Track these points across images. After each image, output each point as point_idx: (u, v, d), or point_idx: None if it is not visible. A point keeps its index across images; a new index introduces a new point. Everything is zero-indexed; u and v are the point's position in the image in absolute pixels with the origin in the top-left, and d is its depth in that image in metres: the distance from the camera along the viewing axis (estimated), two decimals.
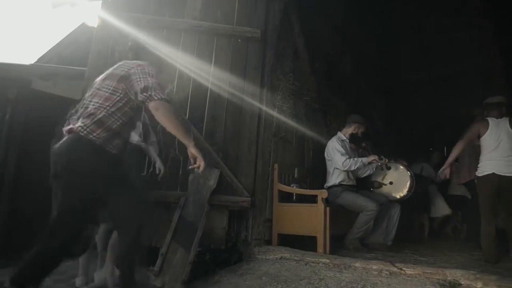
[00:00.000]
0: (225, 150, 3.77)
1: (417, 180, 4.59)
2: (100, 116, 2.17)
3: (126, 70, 2.26)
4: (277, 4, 4.19)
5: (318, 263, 3.34)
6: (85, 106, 2.24)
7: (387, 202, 4.27)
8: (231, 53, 3.98)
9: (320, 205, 3.73)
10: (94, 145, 2.16)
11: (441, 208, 5.88)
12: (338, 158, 4.14)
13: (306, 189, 4.12)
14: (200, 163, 2.30)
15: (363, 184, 4.49)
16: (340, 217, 4.06)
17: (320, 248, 3.65)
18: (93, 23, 4.20)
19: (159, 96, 2.17)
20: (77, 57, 5.33)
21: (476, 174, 3.94)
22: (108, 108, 2.20)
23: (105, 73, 2.37)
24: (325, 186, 4.26)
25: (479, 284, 2.68)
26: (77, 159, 2.13)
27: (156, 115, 2.19)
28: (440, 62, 7.32)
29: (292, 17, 4.49)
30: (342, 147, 4.21)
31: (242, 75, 3.92)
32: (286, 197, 4.06)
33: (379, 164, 4.34)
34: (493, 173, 3.75)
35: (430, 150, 6.36)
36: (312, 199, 3.85)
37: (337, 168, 4.19)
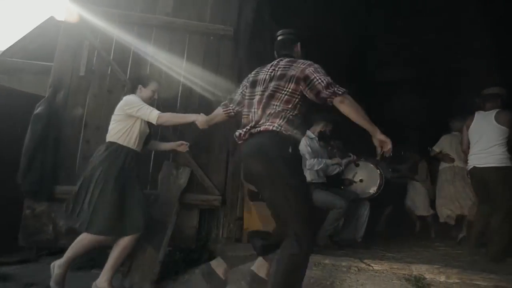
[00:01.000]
0: (196, 148, 3.75)
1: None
2: (288, 116, 2.22)
3: (299, 71, 2.26)
4: (250, 3, 4.21)
5: None
6: (261, 108, 2.27)
7: (357, 200, 4.35)
8: (204, 50, 3.97)
9: None
10: (295, 141, 2.26)
11: (421, 208, 5.82)
12: (304, 158, 4.18)
13: None
14: (388, 145, 2.26)
15: (333, 182, 4.55)
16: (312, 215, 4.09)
17: None
18: (62, 16, 4.09)
19: (342, 90, 2.20)
20: (44, 51, 5.16)
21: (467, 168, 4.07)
22: (291, 109, 2.24)
23: (263, 74, 2.41)
24: None
25: (442, 278, 2.78)
26: (287, 155, 2.19)
27: (341, 108, 2.20)
28: (414, 63, 7.47)
29: (265, 16, 4.50)
30: (310, 146, 4.26)
31: (214, 72, 3.90)
32: (257, 196, 4.07)
33: (342, 165, 4.44)
34: (474, 167, 3.85)
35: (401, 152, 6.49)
36: None
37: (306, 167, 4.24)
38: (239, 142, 2.38)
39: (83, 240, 2.79)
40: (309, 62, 2.32)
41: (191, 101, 3.86)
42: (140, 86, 3.18)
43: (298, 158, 2.31)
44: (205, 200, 3.71)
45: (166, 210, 3.43)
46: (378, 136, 2.26)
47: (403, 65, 7.50)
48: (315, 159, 4.18)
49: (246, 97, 2.46)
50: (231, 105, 2.66)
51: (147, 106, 3.00)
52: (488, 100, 3.93)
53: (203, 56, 3.93)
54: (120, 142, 2.95)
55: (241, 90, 2.57)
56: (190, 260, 3.46)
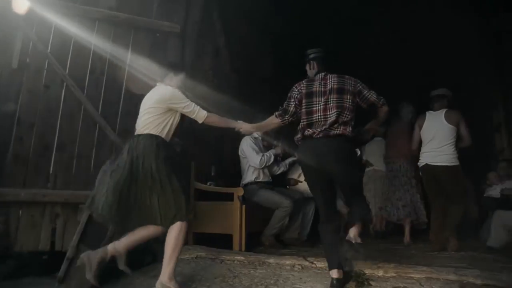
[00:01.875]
0: None
1: None
2: (352, 123, 2.78)
3: (353, 86, 2.83)
4: (198, 1, 4.14)
5: (234, 260, 3.38)
6: (332, 115, 2.73)
7: (302, 199, 4.45)
8: (149, 47, 3.86)
9: (236, 203, 3.78)
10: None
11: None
12: (254, 156, 4.22)
13: (224, 187, 4.14)
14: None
15: (279, 182, 4.62)
16: (257, 214, 4.14)
17: (235, 246, 3.70)
18: None
19: (385, 100, 2.87)
20: None
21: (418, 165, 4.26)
22: (353, 118, 2.79)
23: (315, 87, 2.87)
24: (241, 183, 4.31)
25: (380, 272, 2.93)
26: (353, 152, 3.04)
27: (382, 112, 2.90)
28: (366, 67, 7.69)
29: (213, 14, 4.47)
30: (255, 144, 4.30)
31: (160, 70, 3.78)
32: (203, 196, 4.05)
33: (280, 154, 4.54)
34: (427, 164, 4.07)
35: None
36: (229, 197, 3.87)
37: (251, 166, 4.27)
38: (308, 139, 2.81)
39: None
40: (353, 78, 2.89)
41: (135, 100, 3.73)
42: (171, 74, 3.04)
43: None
44: None
45: None
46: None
47: None
48: (265, 155, 4.23)
49: (303, 107, 2.85)
50: (286, 116, 2.98)
51: (193, 103, 2.93)
52: (436, 100, 4.21)
53: (148, 53, 3.81)
54: (161, 135, 2.83)
55: (294, 102, 2.91)
56: (132, 262, 3.35)
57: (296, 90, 2.92)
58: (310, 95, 2.86)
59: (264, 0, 5.26)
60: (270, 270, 3.13)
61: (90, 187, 3.41)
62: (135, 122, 3.40)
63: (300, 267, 3.18)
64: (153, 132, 2.81)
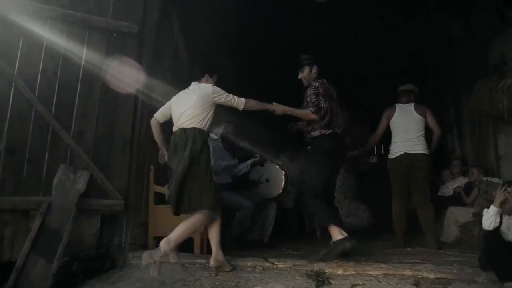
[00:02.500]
0: (96, 150, 3.53)
1: None
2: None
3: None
4: (156, 1, 4.07)
5: (195, 264, 3.35)
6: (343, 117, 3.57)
7: (263, 201, 4.47)
8: (105, 47, 3.73)
9: None
10: None
11: None
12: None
13: None
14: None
15: (240, 183, 4.62)
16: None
17: (197, 249, 3.65)
18: None
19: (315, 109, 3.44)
20: None
21: (389, 157, 4.30)
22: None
23: (332, 92, 3.59)
24: None
25: (340, 271, 3.00)
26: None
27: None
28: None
29: (172, 15, 4.40)
30: (213, 146, 4.27)
31: (117, 72, 3.69)
32: (163, 199, 3.96)
33: (248, 166, 4.60)
34: (405, 153, 4.13)
35: None
36: None
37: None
38: (336, 136, 3.50)
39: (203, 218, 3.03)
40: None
41: (91, 100, 3.63)
42: (207, 75, 3.39)
43: None
44: (106, 205, 3.51)
45: (62, 218, 3.18)
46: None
47: None
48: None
49: (334, 108, 3.49)
50: (322, 112, 3.40)
51: (230, 94, 3.28)
52: (403, 95, 4.40)
53: (105, 53, 3.69)
54: (204, 129, 3.18)
55: (329, 102, 3.45)
56: (90, 269, 3.26)
57: (326, 92, 3.48)
58: (333, 98, 3.57)
59: (223, 1, 5.26)
60: (231, 272, 3.12)
61: (43, 193, 3.30)
62: (91, 124, 3.33)
63: (261, 268, 3.20)
64: (198, 126, 3.14)
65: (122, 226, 3.66)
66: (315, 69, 3.58)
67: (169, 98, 3.40)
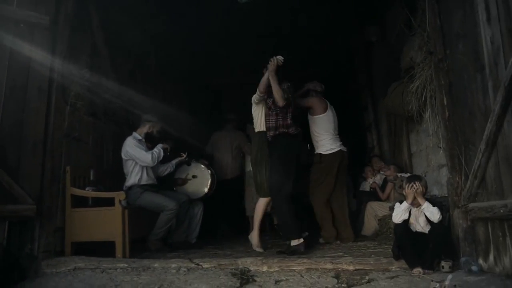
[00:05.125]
0: (2, 152, 3.21)
1: None
2: None
3: None
4: None
5: (116, 268, 3.20)
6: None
7: (188, 201, 4.40)
8: (11, 38, 3.39)
9: (118, 208, 3.61)
10: None
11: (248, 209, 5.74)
12: (143, 155, 4.05)
13: (105, 192, 3.89)
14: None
15: (166, 184, 4.52)
16: (142, 218, 4.01)
17: (119, 253, 3.53)
18: None
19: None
20: None
21: (322, 152, 4.30)
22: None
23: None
24: (124, 187, 4.10)
25: (265, 268, 3.05)
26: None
27: None
28: (244, 69, 7.86)
29: (90, 8, 4.18)
30: (138, 146, 4.14)
31: (25, 67, 3.39)
32: (82, 202, 3.76)
33: (173, 166, 4.54)
34: (340, 150, 4.26)
35: None
36: (111, 202, 3.67)
37: (142, 165, 4.12)
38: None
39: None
40: None
41: None
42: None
43: None
44: (14, 210, 3.19)
45: None
46: None
47: None
48: (153, 153, 4.10)
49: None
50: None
51: None
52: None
53: (10, 46, 3.34)
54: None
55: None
56: None
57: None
58: None
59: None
60: (154, 275, 3.03)
61: None
62: None
63: (186, 269, 3.15)
64: (262, 129, 4.06)
65: (34, 233, 3.38)
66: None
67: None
